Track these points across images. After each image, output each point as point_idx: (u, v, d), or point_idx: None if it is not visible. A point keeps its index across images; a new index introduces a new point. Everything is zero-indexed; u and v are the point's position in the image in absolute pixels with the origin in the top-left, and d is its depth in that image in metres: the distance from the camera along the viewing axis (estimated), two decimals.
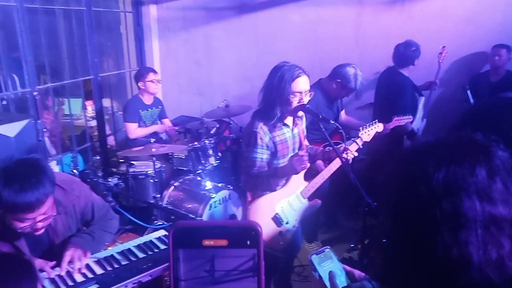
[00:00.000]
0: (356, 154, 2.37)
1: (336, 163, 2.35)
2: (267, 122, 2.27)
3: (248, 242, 0.55)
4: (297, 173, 2.26)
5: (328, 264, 1.07)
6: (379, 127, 2.55)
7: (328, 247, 1.10)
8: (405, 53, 3.55)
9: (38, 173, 1.57)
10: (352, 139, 2.48)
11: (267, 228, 2.35)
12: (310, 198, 2.45)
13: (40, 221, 1.62)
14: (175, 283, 0.56)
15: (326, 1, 4.30)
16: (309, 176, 2.44)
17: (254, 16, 4.63)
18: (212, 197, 3.33)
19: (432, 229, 0.70)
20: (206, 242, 0.54)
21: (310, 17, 4.40)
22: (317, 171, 2.47)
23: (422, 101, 3.78)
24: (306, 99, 2.22)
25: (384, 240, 0.83)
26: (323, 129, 2.19)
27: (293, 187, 2.40)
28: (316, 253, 1.07)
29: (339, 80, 3.23)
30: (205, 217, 3.26)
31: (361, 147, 2.45)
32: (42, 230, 1.68)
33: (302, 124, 2.51)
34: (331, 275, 1.04)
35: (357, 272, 1.09)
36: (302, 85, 2.20)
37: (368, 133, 2.50)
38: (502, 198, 0.70)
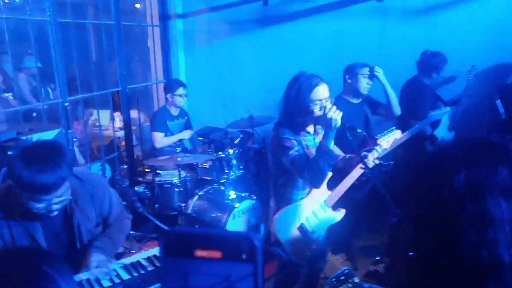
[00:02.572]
0: (377, 161, 2.35)
1: (357, 171, 2.33)
2: (291, 129, 2.28)
3: (244, 256, 0.49)
4: (333, 127, 2.15)
5: (348, 284, 1.09)
6: (396, 133, 2.51)
7: (348, 267, 1.12)
8: (429, 62, 3.52)
9: (57, 156, 1.60)
10: (371, 147, 2.45)
11: (293, 239, 2.35)
12: (334, 207, 2.43)
13: (55, 203, 1.66)
14: None
15: (350, 12, 4.31)
16: (331, 185, 2.43)
17: (278, 28, 4.67)
18: (236, 207, 3.35)
19: (458, 232, 0.69)
20: (199, 253, 0.49)
21: (333, 28, 4.41)
22: (339, 179, 2.45)
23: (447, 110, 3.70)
24: (328, 105, 2.21)
25: (411, 254, 0.81)
26: (350, 138, 2.18)
27: (316, 196, 2.39)
28: (336, 275, 1.10)
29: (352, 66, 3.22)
30: (228, 227, 3.28)
31: (380, 154, 2.42)
32: (56, 212, 1.71)
33: (323, 133, 2.49)
34: None
35: None
36: (321, 93, 2.21)
37: (387, 140, 2.47)
38: None
